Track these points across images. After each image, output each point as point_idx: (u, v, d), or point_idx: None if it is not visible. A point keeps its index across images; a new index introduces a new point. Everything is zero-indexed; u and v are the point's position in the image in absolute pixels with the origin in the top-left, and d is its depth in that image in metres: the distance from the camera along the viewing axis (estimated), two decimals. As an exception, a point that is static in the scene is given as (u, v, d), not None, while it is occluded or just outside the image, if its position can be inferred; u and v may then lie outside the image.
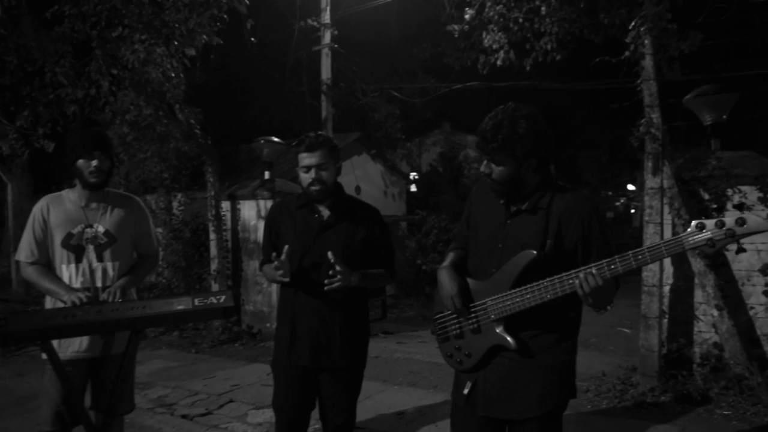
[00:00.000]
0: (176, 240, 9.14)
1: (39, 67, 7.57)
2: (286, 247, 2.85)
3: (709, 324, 5.23)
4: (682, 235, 2.00)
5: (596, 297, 2.13)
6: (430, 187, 20.06)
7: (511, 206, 2.40)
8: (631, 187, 27.11)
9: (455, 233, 2.75)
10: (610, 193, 29.68)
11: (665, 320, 5.41)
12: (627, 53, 5.16)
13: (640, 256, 2.07)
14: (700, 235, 1.97)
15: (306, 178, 2.93)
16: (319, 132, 3.04)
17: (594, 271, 2.11)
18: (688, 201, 5.24)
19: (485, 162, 2.34)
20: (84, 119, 3.37)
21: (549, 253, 2.27)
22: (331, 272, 2.80)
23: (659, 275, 5.26)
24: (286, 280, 2.84)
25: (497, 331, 2.34)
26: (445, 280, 2.46)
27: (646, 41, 5.10)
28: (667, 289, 5.47)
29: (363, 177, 16.89)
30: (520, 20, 6.81)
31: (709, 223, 1.96)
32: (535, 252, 2.25)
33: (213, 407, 5.40)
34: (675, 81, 5.50)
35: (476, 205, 2.60)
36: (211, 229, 8.60)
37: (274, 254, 2.90)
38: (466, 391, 2.45)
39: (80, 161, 3.13)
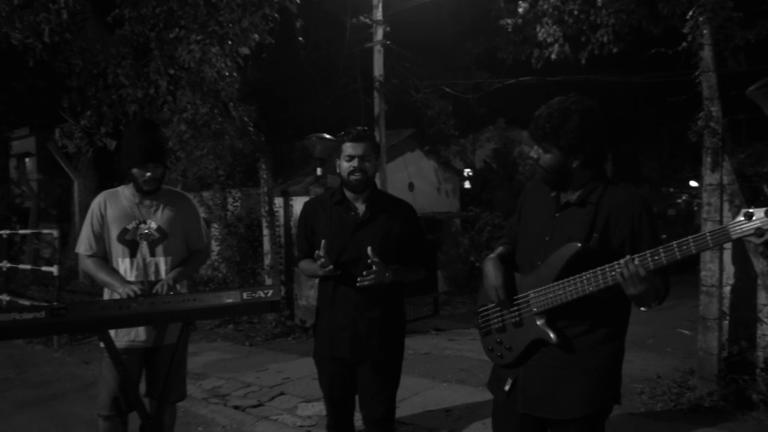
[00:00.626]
0: (231, 235, 9.36)
1: (102, 69, 7.86)
2: (323, 242, 2.89)
3: (772, 326, 5.02)
4: (728, 224, 1.92)
5: (636, 288, 2.05)
6: (484, 184, 19.86)
7: (561, 199, 2.38)
8: (693, 183, 26.20)
9: (506, 228, 2.75)
10: (671, 189, 28.76)
11: (725, 322, 5.22)
12: (684, 44, 4.99)
13: (684, 246, 1.98)
14: (748, 224, 1.88)
15: (348, 166, 3.01)
16: (365, 128, 3.10)
17: (637, 260, 2.05)
18: (751, 198, 5.03)
19: (535, 147, 2.35)
20: (139, 123, 3.44)
21: (594, 247, 2.23)
22: (365, 272, 2.86)
23: (719, 275, 5.07)
24: (330, 268, 2.88)
25: (538, 324, 2.31)
26: (490, 271, 2.45)
27: (705, 31, 4.92)
28: (727, 289, 5.27)
29: (416, 174, 16.87)
30: (576, 12, 6.67)
31: (759, 211, 1.87)
32: (579, 244, 2.21)
33: (264, 399, 5.52)
34: (736, 72, 5.29)
35: (528, 200, 2.60)
36: (265, 224, 8.76)
37: (317, 252, 2.94)
38: (507, 388, 2.44)
39: (135, 169, 3.24)
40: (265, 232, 8.75)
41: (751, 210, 1.88)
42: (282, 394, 5.67)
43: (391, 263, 2.96)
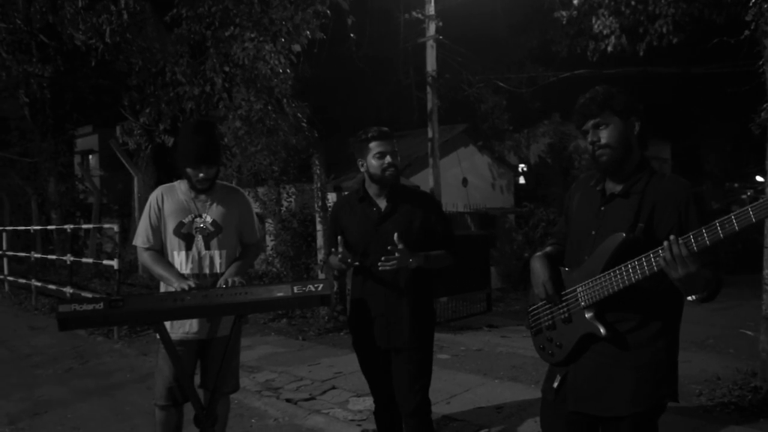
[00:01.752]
0: (285, 231, 9.50)
1: (161, 68, 8.10)
2: (339, 238, 3.08)
3: (842, 327, 4.78)
4: None
5: (680, 271, 1.97)
6: (539, 179, 19.60)
7: (606, 191, 2.35)
8: (759, 178, 25.19)
9: (554, 230, 2.74)
10: (735, 184, 27.74)
11: (790, 322, 5.00)
12: (747, 32, 4.79)
13: (727, 224, 1.87)
14: None
15: (380, 163, 3.13)
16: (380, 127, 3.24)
17: (680, 240, 1.97)
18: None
19: (590, 132, 2.32)
20: (194, 123, 3.52)
21: (639, 237, 2.17)
22: (385, 257, 2.95)
23: (783, 273, 4.86)
24: (349, 261, 3.05)
25: (587, 317, 2.27)
26: (537, 267, 2.45)
27: (770, 18, 4.71)
28: (792, 288, 5.05)
29: (469, 169, 16.78)
30: (633, 2, 6.49)
31: None
32: (623, 234, 2.17)
33: (316, 393, 5.58)
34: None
35: (574, 199, 2.57)
36: (318, 219, 8.86)
37: (335, 250, 3.11)
38: (555, 385, 2.40)
39: (189, 169, 3.32)
40: (319, 227, 8.85)
41: None
42: (333, 388, 5.72)
43: (414, 251, 3.04)
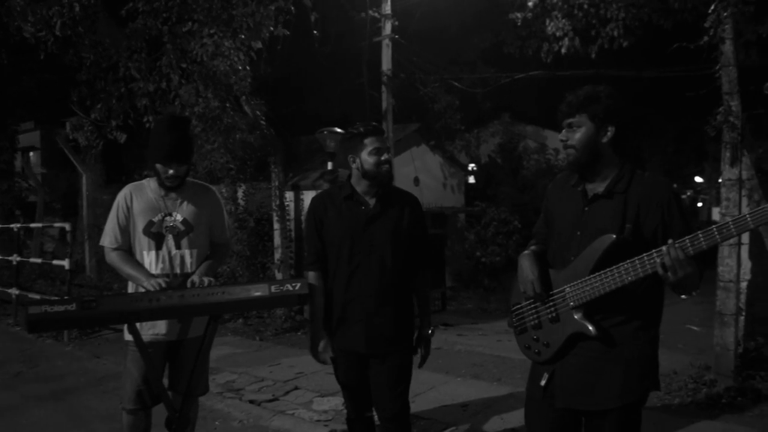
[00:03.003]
0: (241, 229, 9.36)
1: (113, 63, 7.85)
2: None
3: (789, 322, 5.02)
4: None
5: (677, 274, 2.04)
6: (489, 179, 19.82)
7: (588, 192, 2.38)
8: (698, 179, 26.17)
9: (534, 231, 2.75)
10: (675, 185, 28.71)
11: (742, 318, 5.21)
12: (706, 38, 4.96)
13: (724, 230, 1.98)
14: None
15: (376, 160, 3.03)
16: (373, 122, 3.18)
17: (677, 244, 2.05)
18: (768, 193, 5.03)
19: (563, 132, 2.37)
20: (168, 119, 3.40)
21: (628, 238, 2.23)
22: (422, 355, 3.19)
23: (736, 270, 5.06)
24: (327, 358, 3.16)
25: (576, 317, 2.31)
26: (526, 265, 2.46)
27: (727, 26, 4.89)
28: (744, 285, 5.27)
29: (422, 168, 16.84)
30: (585, 6, 6.65)
31: None
32: (614, 236, 2.21)
33: (279, 393, 5.52)
34: (755, 67, 5.26)
35: (553, 200, 2.60)
36: (275, 219, 8.76)
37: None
38: (543, 383, 2.42)
39: (158, 165, 3.23)
40: (276, 226, 8.75)
41: None
42: (296, 388, 5.66)
43: (404, 253, 3.08)
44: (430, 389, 5.55)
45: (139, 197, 3.31)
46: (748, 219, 1.94)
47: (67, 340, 7.64)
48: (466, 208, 17.99)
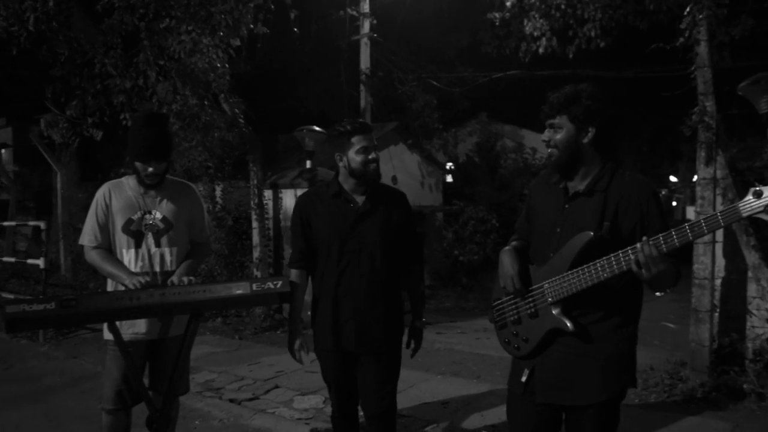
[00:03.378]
0: (219, 228, 9.28)
1: (89, 59, 7.73)
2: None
3: (763, 319, 5.11)
4: (738, 202, 1.95)
5: (651, 271, 2.08)
6: (467, 178, 19.90)
7: (570, 190, 2.41)
8: (673, 178, 26.51)
9: (516, 226, 2.77)
10: (651, 185, 28.95)
11: (716, 314, 5.31)
12: (681, 39, 5.04)
13: (696, 228, 2.02)
14: (757, 202, 1.91)
15: (363, 158, 3.00)
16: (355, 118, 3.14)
17: (650, 241, 2.08)
18: (743, 192, 5.11)
19: (546, 132, 2.39)
20: (146, 116, 3.35)
21: (606, 236, 2.26)
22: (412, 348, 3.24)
23: (711, 268, 5.15)
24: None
25: (554, 313, 2.34)
26: (506, 261, 2.49)
27: (702, 27, 4.98)
28: (718, 282, 5.36)
29: (400, 167, 16.86)
30: (563, 6, 6.72)
31: (767, 189, 1.90)
32: (592, 233, 2.25)
33: (259, 392, 5.49)
34: (729, 68, 5.36)
35: (535, 197, 2.63)
36: (254, 217, 8.71)
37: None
38: (524, 379, 2.45)
39: (138, 163, 3.20)
40: (255, 224, 8.70)
41: (759, 188, 1.91)
42: (277, 387, 5.64)
43: (393, 251, 3.08)
44: (410, 387, 5.57)
45: (118, 195, 3.27)
46: (719, 217, 1.98)
47: (43, 341, 7.52)
48: (444, 207, 18.05)
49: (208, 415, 4.98)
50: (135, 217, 3.25)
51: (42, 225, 7.64)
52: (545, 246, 2.44)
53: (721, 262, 5.35)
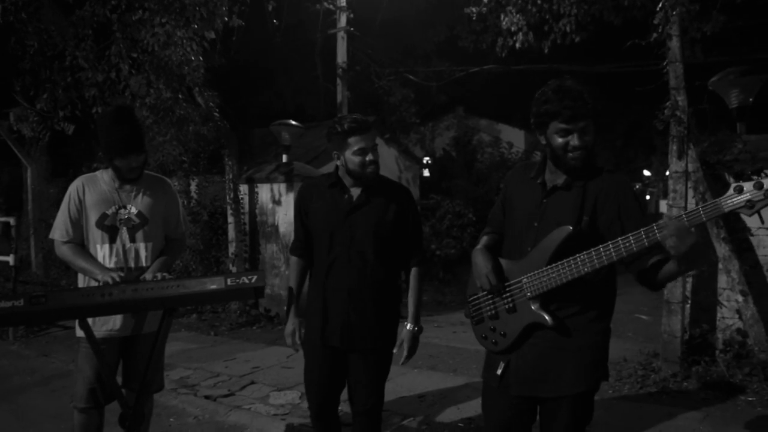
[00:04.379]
0: (194, 223, 9.19)
1: (59, 51, 7.59)
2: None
3: (732, 310, 5.21)
4: (720, 198, 1.97)
5: (685, 242, 2.00)
6: (444, 172, 19.96)
7: (548, 184, 2.41)
8: (646, 172, 26.88)
9: (490, 218, 2.75)
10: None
11: (688, 305, 5.39)
12: (655, 35, 5.10)
13: (710, 208, 2.01)
14: (738, 197, 1.94)
15: (361, 160, 2.88)
16: (354, 114, 2.99)
17: (632, 237, 2.09)
18: (713, 185, 5.20)
19: (576, 134, 2.26)
20: (113, 112, 3.28)
21: (585, 230, 2.28)
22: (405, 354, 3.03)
23: (683, 260, 5.22)
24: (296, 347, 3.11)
25: (533, 308, 2.35)
26: (479, 260, 2.49)
27: (675, 24, 5.03)
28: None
29: (377, 161, 16.89)
30: (539, 1, 6.77)
31: (748, 185, 1.92)
32: (571, 228, 2.25)
33: (235, 389, 5.45)
34: (700, 63, 5.44)
35: (512, 189, 2.61)
36: (230, 212, 8.64)
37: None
38: (499, 372, 2.46)
39: (118, 160, 3.14)
40: (230, 219, 8.63)
41: (741, 184, 1.93)
42: (252, 383, 5.61)
43: (388, 247, 2.96)
44: (387, 381, 5.54)
45: (91, 189, 3.22)
46: (701, 213, 1.99)
47: (13, 339, 7.38)
48: (420, 201, 18.09)
49: (183, 413, 4.93)
50: (109, 211, 3.20)
51: (12, 221, 7.49)
52: (522, 240, 2.44)
53: (693, 254, 5.43)
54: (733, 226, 5.14)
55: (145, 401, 2.95)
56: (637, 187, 25.78)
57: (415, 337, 3.04)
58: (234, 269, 8.57)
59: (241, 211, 8.70)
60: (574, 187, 2.34)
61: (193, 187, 9.49)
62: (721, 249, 5.10)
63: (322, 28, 12.63)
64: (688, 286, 5.40)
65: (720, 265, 5.21)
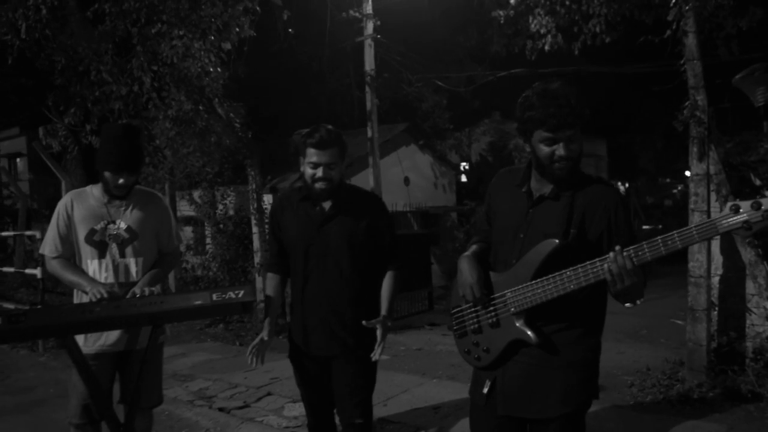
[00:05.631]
0: (220, 234, 9.28)
1: (86, 66, 7.76)
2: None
3: (762, 317, 4.95)
4: (715, 218, 1.86)
5: (624, 283, 1.98)
6: (481, 177, 19.82)
7: (534, 193, 2.29)
8: (689, 173, 26.12)
9: (476, 227, 2.66)
10: (667, 180, 28.72)
11: (714, 313, 5.16)
12: (669, 32, 4.90)
13: (669, 242, 1.92)
14: (735, 218, 1.82)
15: (312, 173, 2.87)
16: (330, 127, 2.94)
17: (624, 253, 1.98)
18: (738, 187, 4.96)
19: (562, 144, 2.13)
20: (120, 128, 3.30)
21: (572, 243, 2.15)
22: (376, 346, 2.89)
23: (707, 266, 4.99)
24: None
25: (517, 324, 2.23)
26: (465, 268, 2.36)
27: (690, 19, 4.83)
28: (716, 280, 5.21)
29: (411, 168, 16.81)
30: (567, 2, 6.60)
31: (745, 204, 1.81)
32: (557, 241, 2.13)
33: (251, 400, 5.45)
34: (723, 61, 5.21)
35: (495, 198, 2.50)
36: (254, 222, 8.69)
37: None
38: (485, 390, 2.36)
39: (107, 174, 3.15)
40: (255, 229, 8.68)
41: (737, 203, 1.82)
42: (269, 394, 5.59)
43: (361, 257, 2.95)
44: (403, 392, 5.49)
45: (80, 205, 3.23)
46: (694, 233, 1.89)
47: (42, 350, 7.55)
48: (456, 207, 17.97)
49: (195, 425, 4.93)
50: (98, 227, 3.20)
51: (37, 234, 7.66)
52: (507, 252, 2.33)
53: (718, 259, 5.20)
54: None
55: (133, 418, 2.92)
56: (680, 188, 25.07)
57: (385, 325, 2.93)
58: (259, 279, 8.60)
59: (266, 220, 8.74)
60: (563, 197, 2.22)
61: (218, 198, 9.58)
62: (747, 254, 4.85)
63: (351, 36, 12.64)
64: (715, 293, 5.17)
65: (747, 271, 4.96)
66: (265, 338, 3.05)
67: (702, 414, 4.55)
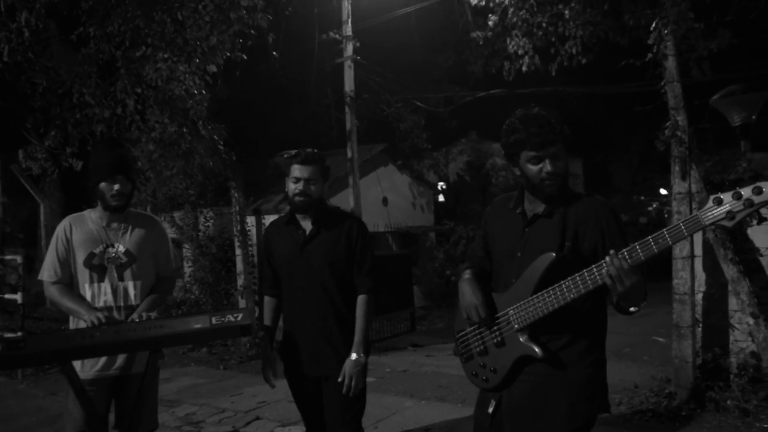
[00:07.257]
0: (203, 256, 9.21)
1: (68, 89, 7.70)
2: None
3: (745, 332, 5.06)
4: (698, 211, 1.94)
5: (624, 284, 2.01)
6: (458, 197, 19.93)
7: (528, 213, 2.36)
8: (663, 191, 26.57)
9: (469, 254, 2.68)
10: (642, 197, 29.18)
11: (699, 329, 5.25)
12: (650, 55, 5.04)
13: (660, 240, 1.98)
14: (718, 209, 1.90)
15: (294, 188, 3.06)
16: (315, 150, 3.14)
17: (618, 254, 2.03)
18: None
19: (547, 161, 2.22)
20: (107, 140, 3.38)
21: (568, 256, 2.21)
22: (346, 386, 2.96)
23: (690, 283, 5.10)
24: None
25: (522, 340, 2.26)
26: (467, 290, 2.39)
27: (669, 42, 4.98)
28: (699, 297, 5.31)
29: (390, 188, 16.85)
30: (544, 25, 6.75)
31: (726, 196, 1.89)
32: (554, 254, 2.19)
33: (239, 425, 5.39)
34: (701, 82, 5.36)
35: (491, 224, 2.56)
36: (237, 244, 8.65)
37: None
38: (490, 410, 2.38)
39: (102, 184, 3.15)
40: (238, 251, 8.64)
41: (719, 195, 1.90)
42: (258, 418, 5.54)
43: (341, 274, 3.07)
44: (393, 414, 5.48)
45: (78, 228, 3.22)
46: (683, 228, 1.96)
47: (21, 378, 7.37)
48: (435, 227, 18.03)
49: (184, 450, 4.88)
50: (97, 250, 3.19)
51: (18, 258, 7.54)
52: (506, 272, 2.38)
53: (701, 276, 5.31)
54: (741, 246, 5.02)
55: (130, 443, 2.89)
56: (655, 205, 25.47)
57: (359, 367, 2.97)
58: (243, 301, 8.55)
59: (249, 242, 8.71)
60: (556, 213, 2.29)
61: (201, 220, 9.51)
62: (729, 271, 4.96)
63: (330, 58, 12.72)
64: (699, 310, 5.27)
65: (729, 287, 5.07)
66: (270, 363, 3.24)
67: (691, 430, 4.61)
